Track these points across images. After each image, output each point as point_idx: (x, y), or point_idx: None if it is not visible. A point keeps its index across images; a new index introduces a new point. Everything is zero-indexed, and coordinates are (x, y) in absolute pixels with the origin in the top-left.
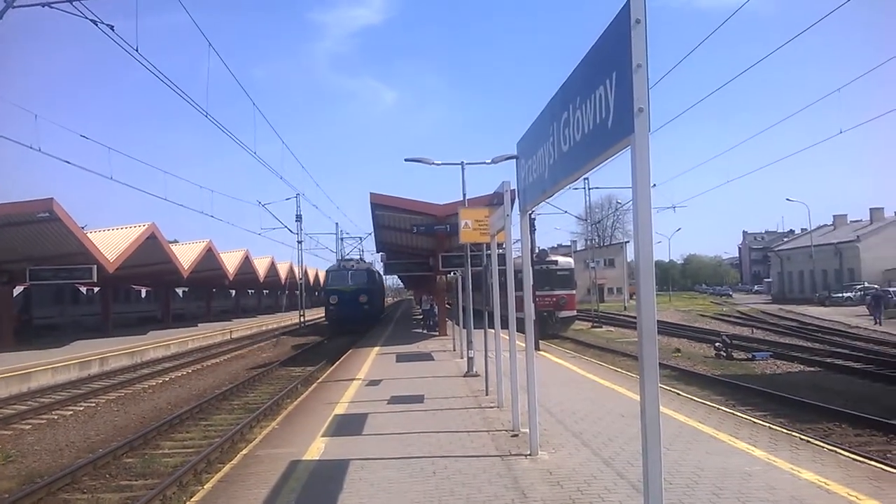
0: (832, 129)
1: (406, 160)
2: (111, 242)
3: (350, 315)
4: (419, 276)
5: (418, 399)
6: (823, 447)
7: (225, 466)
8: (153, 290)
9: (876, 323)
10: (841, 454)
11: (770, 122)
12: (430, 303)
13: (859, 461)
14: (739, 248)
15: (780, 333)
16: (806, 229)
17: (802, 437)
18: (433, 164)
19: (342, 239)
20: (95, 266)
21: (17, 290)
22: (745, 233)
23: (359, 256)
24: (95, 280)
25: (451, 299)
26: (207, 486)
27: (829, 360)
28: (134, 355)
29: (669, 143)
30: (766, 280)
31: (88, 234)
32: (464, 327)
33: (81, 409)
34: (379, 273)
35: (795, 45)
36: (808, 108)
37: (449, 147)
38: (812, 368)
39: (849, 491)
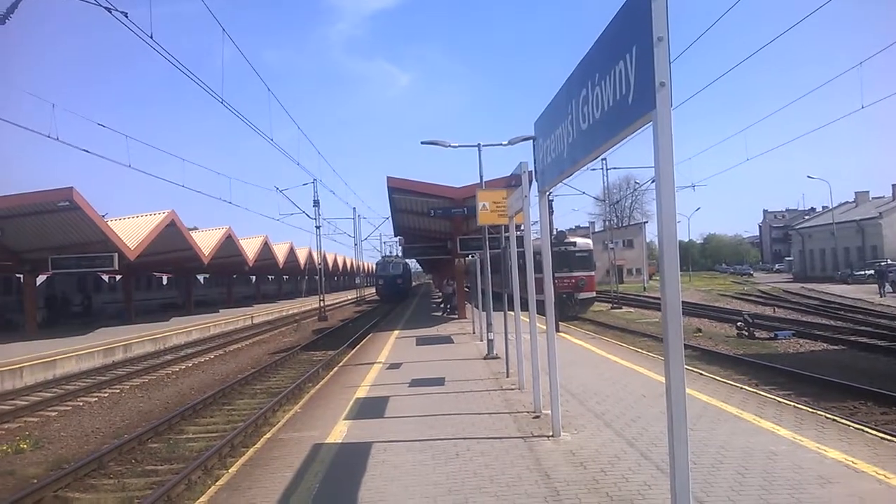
0: (854, 104)
1: (422, 143)
2: (132, 230)
3: (391, 291)
4: (437, 260)
5: (439, 382)
6: (850, 426)
7: (249, 450)
8: (174, 277)
9: (881, 296)
10: (868, 432)
11: (790, 99)
12: (451, 287)
13: (887, 439)
14: (760, 227)
15: (802, 312)
16: (827, 207)
17: (828, 415)
18: (449, 146)
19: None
20: (117, 254)
21: (40, 279)
22: (765, 211)
23: (396, 254)
24: (117, 268)
25: (470, 282)
26: (232, 469)
27: (852, 338)
28: (157, 342)
29: (688, 121)
30: (787, 259)
31: (109, 223)
32: (483, 310)
33: (106, 395)
34: (408, 263)
35: (815, 20)
36: (829, 83)
37: (465, 129)
38: (836, 347)
39: (877, 469)
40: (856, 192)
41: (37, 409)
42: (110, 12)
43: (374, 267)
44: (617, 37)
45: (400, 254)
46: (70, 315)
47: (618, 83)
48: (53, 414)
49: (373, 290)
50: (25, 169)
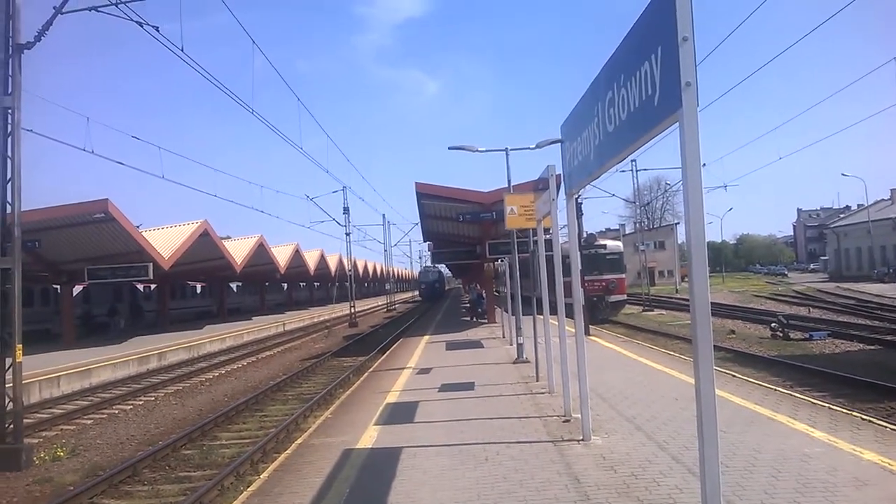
0: (889, 99)
1: (450, 148)
2: (166, 240)
3: (430, 292)
4: (466, 265)
5: (469, 386)
6: (886, 427)
7: (280, 456)
8: (208, 285)
9: None
10: None
11: (823, 96)
12: (476, 293)
13: None
14: (794, 226)
15: (837, 312)
16: (863, 205)
17: (864, 417)
18: (477, 151)
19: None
20: (151, 264)
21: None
22: (799, 210)
23: (424, 259)
24: (151, 277)
25: (500, 287)
26: (264, 475)
27: (889, 337)
28: (191, 349)
29: (719, 121)
30: (822, 258)
31: (143, 233)
32: (512, 314)
33: (141, 403)
34: (442, 272)
35: (847, 15)
36: (864, 78)
37: (493, 135)
38: (872, 347)
39: None
40: (892, 190)
41: (73, 417)
42: (142, 27)
43: (416, 275)
44: (642, 38)
45: (429, 259)
46: (146, 321)
47: (643, 84)
48: (89, 422)
49: (404, 295)
50: (61, 181)
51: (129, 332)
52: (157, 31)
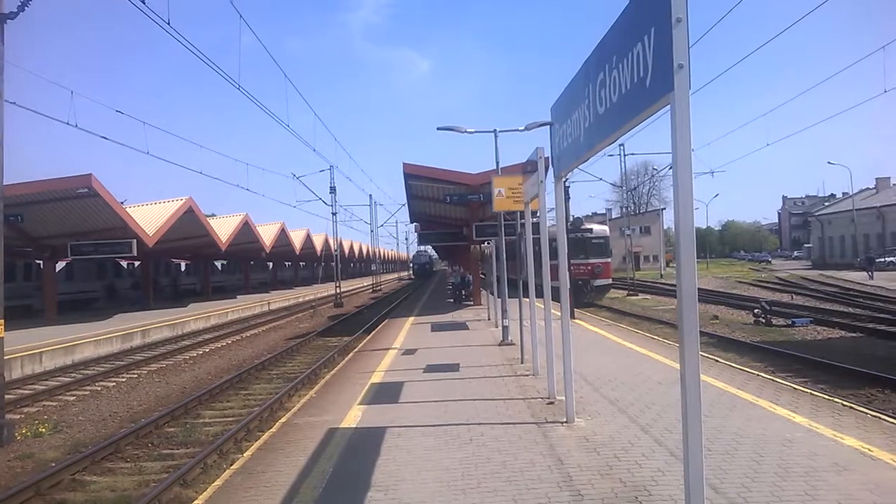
0: (876, 88)
1: (438, 129)
2: (150, 217)
3: (422, 272)
4: (453, 246)
5: (454, 367)
6: (867, 413)
7: (264, 434)
8: (192, 263)
9: (870, 278)
10: (885, 420)
11: (811, 83)
12: (459, 275)
13: None
14: (779, 214)
15: (820, 299)
16: (847, 193)
17: (845, 403)
18: (466, 131)
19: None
20: (135, 240)
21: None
22: (784, 198)
23: (424, 249)
24: (135, 254)
25: (486, 269)
26: (247, 453)
27: (870, 325)
28: (175, 327)
29: (708, 106)
30: (805, 245)
31: (127, 209)
32: (498, 296)
33: (124, 380)
34: (431, 255)
35: (837, 2)
36: (851, 67)
37: (483, 116)
38: (853, 334)
39: (894, 457)
40: (877, 179)
41: (56, 393)
42: None
43: (403, 256)
44: (635, 18)
45: (415, 240)
46: (165, 295)
47: (636, 66)
48: (72, 398)
49: (390, 276)
50: (44, 156)
51: (157, 305)
52: (143, 3)
